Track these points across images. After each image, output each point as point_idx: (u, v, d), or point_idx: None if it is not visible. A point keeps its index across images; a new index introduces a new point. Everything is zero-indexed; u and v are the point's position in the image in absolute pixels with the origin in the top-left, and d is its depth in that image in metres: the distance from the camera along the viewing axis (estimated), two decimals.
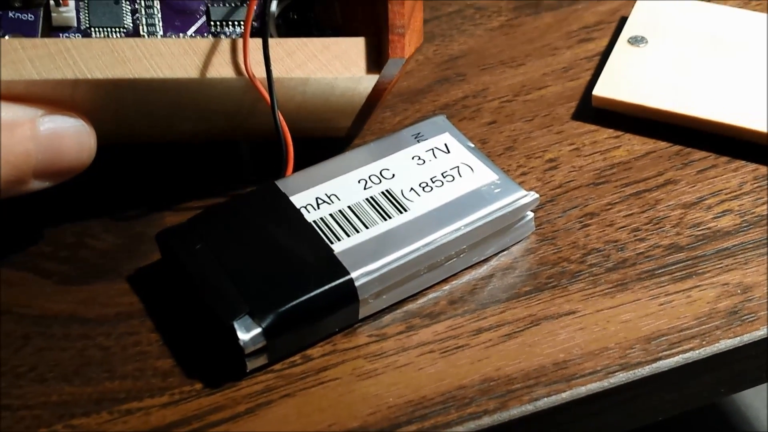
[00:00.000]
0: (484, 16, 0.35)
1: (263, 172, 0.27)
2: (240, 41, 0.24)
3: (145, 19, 0.26)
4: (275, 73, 0.23)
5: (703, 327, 0.24)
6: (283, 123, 0.24)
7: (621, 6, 0.35)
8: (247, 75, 0.23)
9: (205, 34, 0.26)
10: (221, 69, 0.23)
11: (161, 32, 0.26)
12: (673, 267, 0.26)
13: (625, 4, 0.35)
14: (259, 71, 0.23)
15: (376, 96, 0.26)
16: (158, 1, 0.26)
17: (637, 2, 0.33)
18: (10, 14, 0.24)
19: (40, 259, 0.26)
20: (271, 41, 0.23)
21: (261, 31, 0.24)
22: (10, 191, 0.22)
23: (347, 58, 0.24)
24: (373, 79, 0.25)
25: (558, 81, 0.32)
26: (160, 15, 0.26)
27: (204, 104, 0.24)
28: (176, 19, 0.26)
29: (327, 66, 0.24)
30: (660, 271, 0.25)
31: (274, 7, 0.26)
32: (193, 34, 0.26)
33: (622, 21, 0.34)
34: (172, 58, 0.23)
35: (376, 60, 0.24)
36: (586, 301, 0.25)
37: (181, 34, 0.26)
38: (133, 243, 0.26)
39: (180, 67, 0.23)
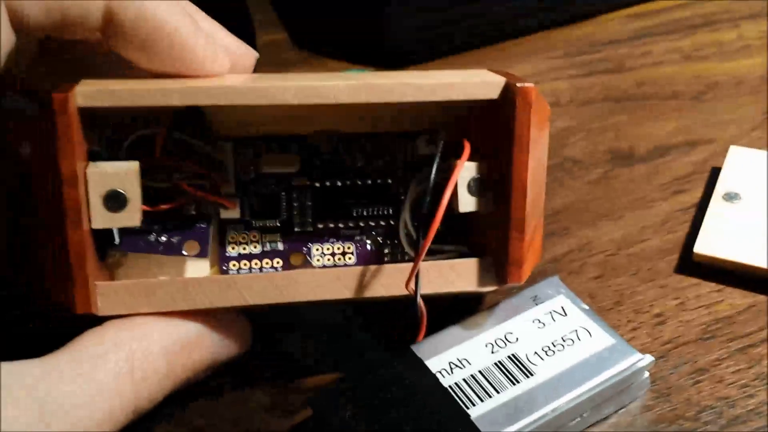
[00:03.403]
0: (582, 169, 0.38)
1: (393, 331, 0.30)
2: (374, 268, 0.27)
3: (299, 210, 0.29)
4: (405, 292, 0.27)
5: None
6: (421, 303, 0.27)
7: (710, 156, 0.38)
8: (408, 291, 0.27)
9: (351, 225, 0.30)
10: (361, 291, 0.27)
11: (311, 219, 0.29)
12: None
13: (714, 154, 0.38)
14: (399, 289, 0.27)
15: None
16: (311, 192, 0.29)
17: (728, 157, 0.36)
18: (186, 222, 0.28)
19: (199, 417, 0.29)
20: (405, 265, 0.27)
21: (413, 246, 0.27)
22: (181, 388, 0.26)
23: (470, 277, 0.27)
24: (494, 288, 0.28)
25: (657, 234, 0.35)
26: (310, 203, 0.29)
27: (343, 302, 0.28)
28: (327, 212, 0.30)
29: (454, 283, 0.27)
30: None
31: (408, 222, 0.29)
32: (341, 225, 0.30)
33: (714, 172, 0.37)
34: (321, 286, 0.26)
35: (496, 278, 0.27)
36: None
37: (332, 240, 0.30)
38: (284, 402, 0.29)
39: (325, 293, 0.26)
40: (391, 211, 0.30)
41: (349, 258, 0.29)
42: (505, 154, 0.26)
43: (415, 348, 0.29)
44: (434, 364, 0.28)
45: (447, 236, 0.30)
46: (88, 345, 0.23)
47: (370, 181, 0.30)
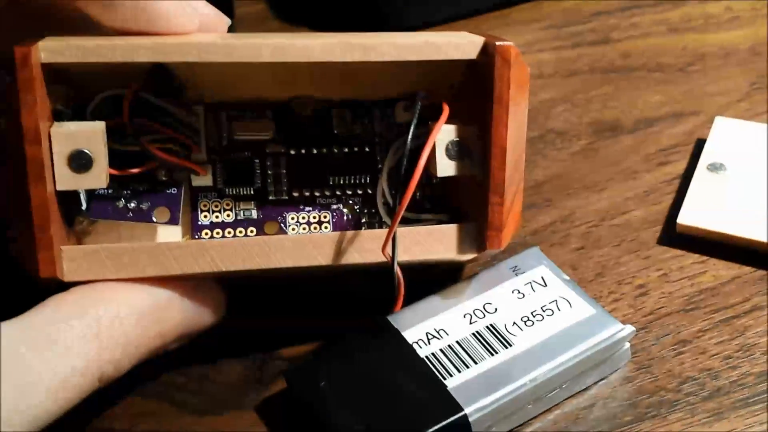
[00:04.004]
0: (565, 140, 0.37)
1: (372, 302, 0.29)
2: (351, 234, 0.26)
3: (273, 177, 0.29)
4: (381, 259, 0.26)
5: None
6: (398, 271, 0.26)
7: (696, 128, 0.37)
8: (384, 257, 0.26)
9: (327, 193, 0.29)
10: (337, 258, 0.26)
11: (286, 188, 0.29)
12: (766, 395, 0.27)
13: (700, 126, 0.37)
14: (376, 255, 0.26)
15: None
16: (286, 159, 0.29)
17: (713, 128, 0.35)
18: (157, 188, 0.27)
19: (175, 390, 0.29)
20: (381, 231, 0.26)
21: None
22: (150, 357, 0.25)
23: (448, 243, 0.27)
24: (473, 255, 0.27)
25: (641, 205, 0.34)
26: (285, 171, 0.29)
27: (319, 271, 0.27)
28: (302, 180, 0.29)
29: (430, 249, 0.26)
30: (753, 399, 0.27)
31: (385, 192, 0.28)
32: (317, 193, 0.29)
33: (699, 143, 0.36)
34: (294, 251, 0.26)
35: (475, 244, 0.27)
36: (686, 431, 0.26)
37: (308, 209, 0.29)
38: (258, 374, 0.29)
39: (300, 259, 0.26)
40: (368, 179, 0.29)
41: (326, 227, 0.29)
42: (485, 115, 0.26)
43: (391, 318, 0.28)
44: (411, 334, 0.28)
45: (426, 206, 0.30)
46: (53, 309, 0.23)
47: (347, 149, 0.29)
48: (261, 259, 0.26)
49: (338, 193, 0.29)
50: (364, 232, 0.26)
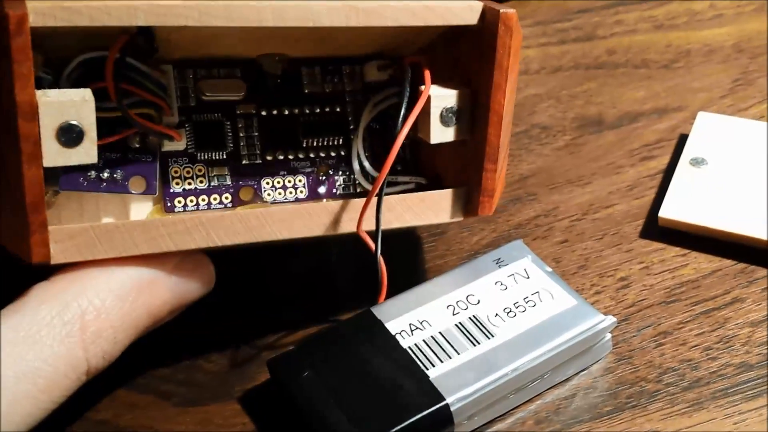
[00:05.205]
0: (550, 136, 0.38)
1: (356, 294, 0.30)
2: (344, 202, 0.26)
3: (245, 140, 0.28)
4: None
5: None
6: (381, 262, 0.27)
7: (679, 123, 0.37)
8: (357, 231, 0.26)
9: (300, 156, 0.29)
10: (332, 228, 0.26)
11: (259, 151, 0.28)
12: (745, 386, 0.27)
13: (683, 122, 0.37)
14: (366, 225, 0.26)
15: None
16: (257, 121, 0.28)
17: (696, 123, 0.35)
18: (129, 156, 0.26)
19: (159, 381, 0.29)
20: (374, 200, 0.26)
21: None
22: (142, 335, 0.25)
23: (439, 208, 0.27)
24: (461, 218, 0.27)
25: (624, 199, 0.34)
26: (257, 133, 0.28)
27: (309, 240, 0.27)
28: (276, 143, 0.28)
29: (421, 215, 0.27)
30: (732, 390, 0.27)
31: (366, 164, 0.29)
32: (291, 156, 0.28)
33: (682, 138, 0.36)
34: (290, 222, 0.25)
35: (464, 208, 0.27)
36: (665, 421, 0.26)
37: (282, 173, 0.28)
38: (242, 364, 0.29)
39: (297, 230, 0.25)
40: (341, 140, 0.29)
41: (301, 192, 0.28)
42: (482, 81, 0.26)
43: (375, 310, 0.28)
44: (394, 326, 0.28)
45: (398, 168, 0.30)
46: (34, 305, 0.22)
47: (318, 109, 0.29)
48: (257, 232, 0.25)
49: (312, 155, 0.29)
50: (359, 201, 0.26)
